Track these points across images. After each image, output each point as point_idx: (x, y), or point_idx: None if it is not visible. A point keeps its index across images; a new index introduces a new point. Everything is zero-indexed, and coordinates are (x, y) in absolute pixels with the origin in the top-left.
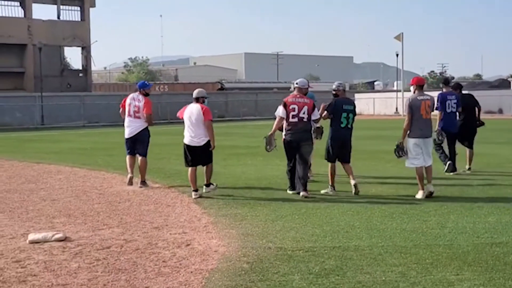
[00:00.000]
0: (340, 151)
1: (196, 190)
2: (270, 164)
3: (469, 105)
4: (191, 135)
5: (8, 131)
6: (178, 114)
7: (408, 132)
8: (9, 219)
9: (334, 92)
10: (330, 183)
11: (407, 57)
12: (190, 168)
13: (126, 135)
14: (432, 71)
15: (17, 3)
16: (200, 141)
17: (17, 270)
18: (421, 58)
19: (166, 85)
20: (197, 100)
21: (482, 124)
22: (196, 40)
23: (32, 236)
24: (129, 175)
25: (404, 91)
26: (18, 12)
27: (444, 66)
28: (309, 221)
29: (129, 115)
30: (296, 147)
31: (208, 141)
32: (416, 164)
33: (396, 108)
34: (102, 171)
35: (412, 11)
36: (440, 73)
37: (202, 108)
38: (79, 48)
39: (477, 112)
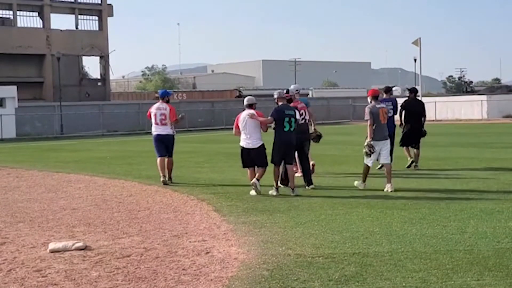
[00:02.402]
0: (285, 153)
1: (258, 180)
2: None
3: (416, 110)
4: (247, 139)
5: (27, 141)
6: (235, 125)
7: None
8: (29, 228)
9: (275, 100)
10: (274, 185)
11: (425, 62)
12: (249, 170)
13: (156, 135)
14: (451, 76)
15: (36, 14)
16: (255, 143)
17: (38, 279)
18: (440, 63)
19: (184, 93)
20: (250, 106)
21: (424, 133)
22: (213, 48)
23: (52, 245)
24: (162, 178)
25: (423, 96)
26: (37, 22)
27: (463, 71)
28: (328, 228)
29: (156, 123)
30: (298, 146)
31: (262, 144)
32: (368, 163)
33: None
34: (121, 179)
35: (430, 16)
36: (459, 78)
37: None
38: (98, 58)
39: (422, 119)
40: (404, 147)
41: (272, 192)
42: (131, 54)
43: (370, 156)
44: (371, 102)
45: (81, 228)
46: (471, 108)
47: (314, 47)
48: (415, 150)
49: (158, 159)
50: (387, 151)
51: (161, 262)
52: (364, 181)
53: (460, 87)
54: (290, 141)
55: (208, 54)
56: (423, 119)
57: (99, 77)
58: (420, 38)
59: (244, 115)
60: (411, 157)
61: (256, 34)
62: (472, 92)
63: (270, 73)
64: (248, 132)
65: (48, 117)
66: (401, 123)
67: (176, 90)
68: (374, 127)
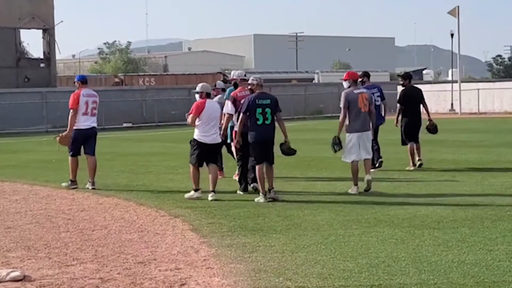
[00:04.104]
0: (263, 151)
1: (198, 190)
2: (287, 178)
3: (413, 99)
4: (212, 133)
5: None
6: (193, 112)
7: (349, 126)
8: None
9: (249, 87)
10: (261, 191)
11: (464, 38)
12: (195, 168)
13: (85, 129)
14: (499, 56)
15: None
16: (219, 138)
17: None
18: (483, 39)
19: (153, 77)
20: (210, 95)
21: (434, 129)
22: (191, 19)
23: None
24: (74, 185)
25: (462, 81)
26: None
27: None
28: (340, 252)
29: (86, 113)
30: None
31: None
32: (351, 159)
33: (452, 104)
34: (70, 189)
35: None
36: (509, 58)
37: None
38: (40, 31)
39: (424, 110)
40: (409, 147)
41: (259, 199)
42: (84, 26)
43: (336, 152)
44: (349, 86)
45: (18, 252)
46: None
47: (321, 19)
48: (414, 145)
49: (72, 158)
50: (369, 143)
51: None
52: (355, 184)
53: (510, 70)
54: (266, 136)
55: (184, 27)
56: (423, 109)
57: (42, 56)
58: (458, 6)
59: (212, 105)
60: (414, 164)
61: (246, 1)
62: None
63: (263, 51)
64: (216, 126)
65: None
66: (397, 122)
67: (142, 74)
68: (352, 117)
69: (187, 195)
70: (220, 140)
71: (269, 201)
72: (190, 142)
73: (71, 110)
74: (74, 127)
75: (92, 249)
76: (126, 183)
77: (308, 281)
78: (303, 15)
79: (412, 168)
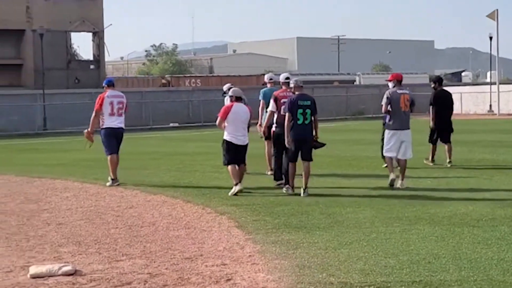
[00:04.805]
0: (300, 148)
1: (238, 183)
2: (330, 176)
3: (444, 101)
4: (240, 135)
5: (2, 138)
6: (220, 115)
7: (389, 124)
8: (5, 248)
9: (291, 89)
10: (289, 183)
11: (503, 40)
12: (232, 166)
13: (112, 128)
14: None
15: None
16: (247, 139)
17: None
18: None
19: (199, 79)
20: (241, 99)
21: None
22: (235, 22)
23: (34, 269)
24: (116, 182)
25: (501, 83)
26: None
27: None
28: (381, 249)
29: (112, 113)
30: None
31: None
32: (390, 155)
33: (490, 106)
34: (119, 187)
35: None
36: None
37: (249, 110)
38: (90, 34)
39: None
40: (432, 146)
41: (288, 190)
42: (132, 29)
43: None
44: (393, 87)
45: (70, 247)
46: None
47: (362, 22)
48: (446, 146)
49: (110, 157)
50: (408, 143)
51: None
52: (391, 171)
53: None
54: (304, 135)
55: (229, 30)
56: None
57: (91, 58)
58: (497, 10)
59: (239, 109)
60: (433, 160)
61: (290, 6)
62: None
63: (306, 53)
64: (243, 128)
65: (28, 108)
66: (432, 121)
67: (188, 75)
68: (393, 115)
69: (230, 192)
70: (247, 142)
71: (305, 196)
72: (222, 144)
73: (94, 111)
74: (105, 126)
75: (141, 245)
76: (173, 181)
77: (351, 277)
78: (345, 18)
79: (430, 163)
